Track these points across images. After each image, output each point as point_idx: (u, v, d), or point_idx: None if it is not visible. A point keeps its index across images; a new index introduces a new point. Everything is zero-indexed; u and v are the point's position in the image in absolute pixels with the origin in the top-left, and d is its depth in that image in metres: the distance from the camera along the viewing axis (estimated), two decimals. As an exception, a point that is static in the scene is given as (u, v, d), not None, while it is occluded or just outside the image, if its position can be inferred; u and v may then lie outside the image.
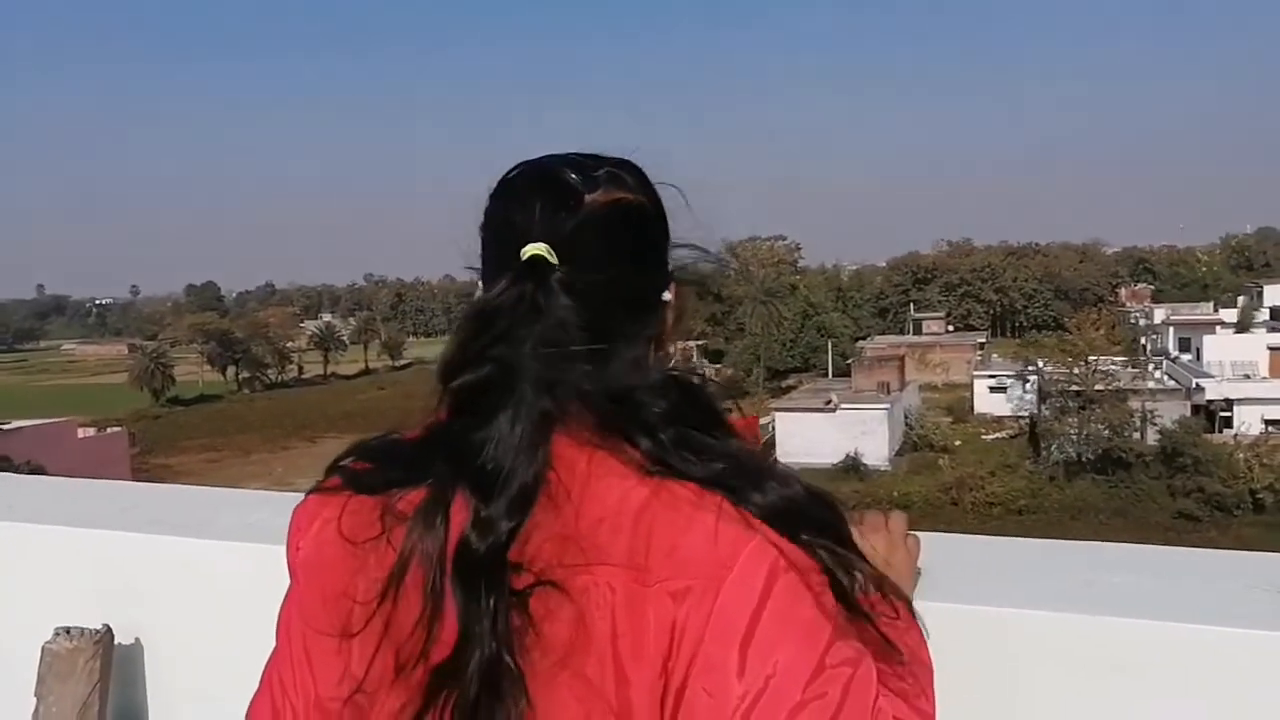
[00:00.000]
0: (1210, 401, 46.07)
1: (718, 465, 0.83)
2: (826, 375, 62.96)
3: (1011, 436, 50.74)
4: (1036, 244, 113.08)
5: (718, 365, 68.71)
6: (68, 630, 1.79)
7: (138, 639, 1.88)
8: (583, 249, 0.88)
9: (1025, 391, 52.37)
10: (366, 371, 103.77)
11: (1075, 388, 44.76)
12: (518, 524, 0.80)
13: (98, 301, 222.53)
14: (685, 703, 0.78)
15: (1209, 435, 43.50)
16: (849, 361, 59.86)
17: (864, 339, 76.22)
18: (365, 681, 0.85)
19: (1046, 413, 46.74)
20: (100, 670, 1.79)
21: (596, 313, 0.86)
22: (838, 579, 0.84)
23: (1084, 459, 43.15)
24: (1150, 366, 49.82)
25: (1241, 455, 40.68)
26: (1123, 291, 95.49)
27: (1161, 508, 39.53)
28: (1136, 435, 43.52)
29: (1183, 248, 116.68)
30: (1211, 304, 72.54)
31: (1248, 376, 48.29)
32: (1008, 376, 55.27)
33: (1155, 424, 43.17)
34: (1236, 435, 43.60)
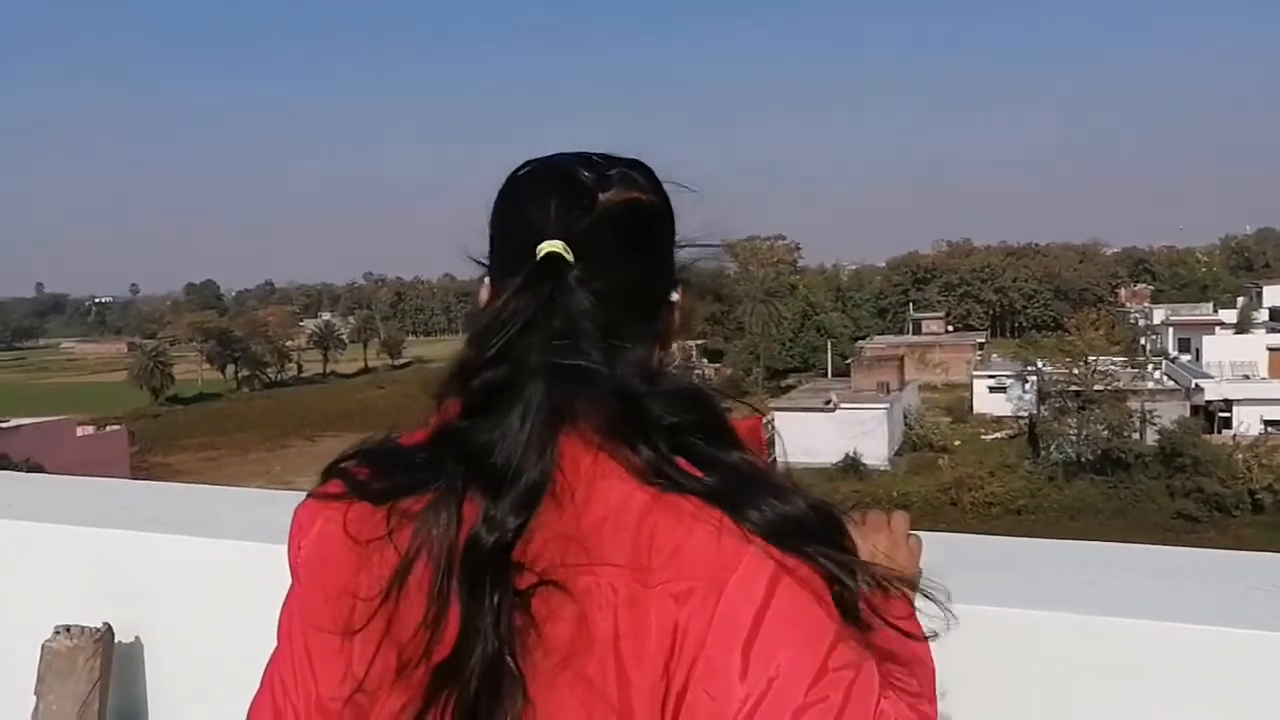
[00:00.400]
0: (1209, 402, 46.02)
1: (717, 480, 0.82)
2: (826, 375, 62.85)
3: (1011, 436, 50.67)
4: (1036, 244, 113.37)
5: (717, 365, 68.76)
6: (68, 628, 1.79)
7: (138, 637, 1.87)
8: (597, 247, 0.87)
9: (1024, 391, 52.31)
10: (366, 370, 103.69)
11: (1074, 388, 44.67)
12: (524, 521, 0.80)
13: (97, 300, 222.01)
14: (687, 705, 0.78)
15: (1208, 436, 43.45)
16: (848, 361, 59.82)
17: (863, 339, 76.27)
18: (366, 681, 0.84)
19: (1046, 413, 46.68)
20: (100, 669, 1.79)
21: (609, 311, 0.86)
22: (840, 584, 0.83)
23: (1083, 459, 43.09)
24: (1149, 367, 49.71)
25: (1240, 456, 40.59)
26: (1122, 292, 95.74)
27: (1160, 508, 39.47)
28: (1136, 435, 43.46)
29: (1182, 248, 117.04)
30: (1211, 304, 72.64)
31: (1247, 377, 48.22)
32: (1007, 376, 55.24)
33: (1154, 424, 43.11)
34: (1236, 436, 43.50)
